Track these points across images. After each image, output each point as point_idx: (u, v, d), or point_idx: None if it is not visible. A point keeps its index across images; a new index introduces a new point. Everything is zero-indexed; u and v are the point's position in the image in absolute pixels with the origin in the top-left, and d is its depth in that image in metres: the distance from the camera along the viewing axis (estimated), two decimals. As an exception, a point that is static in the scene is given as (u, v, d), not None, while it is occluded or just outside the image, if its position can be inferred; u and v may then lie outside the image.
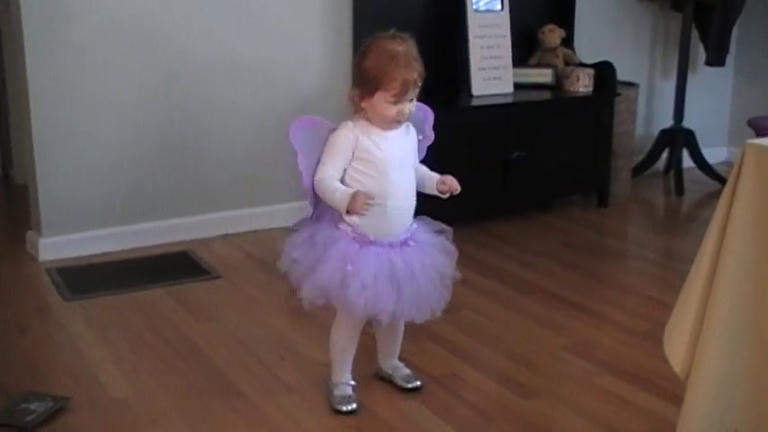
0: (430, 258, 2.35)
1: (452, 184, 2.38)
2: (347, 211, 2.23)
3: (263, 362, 2.75)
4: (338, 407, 2.41)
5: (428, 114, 2.48)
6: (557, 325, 3.04)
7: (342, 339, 2.45)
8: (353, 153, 2.28)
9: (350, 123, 2.31)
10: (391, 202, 2.29)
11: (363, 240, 2.29)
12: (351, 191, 2.24)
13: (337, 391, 2.44)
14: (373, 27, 3.83)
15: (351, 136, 2.28)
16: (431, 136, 2.49)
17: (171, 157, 3.80)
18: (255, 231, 3.96)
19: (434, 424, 2.39)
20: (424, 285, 2.31)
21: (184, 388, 2.59)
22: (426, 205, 2.47)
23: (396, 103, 2.23)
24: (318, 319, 3.03)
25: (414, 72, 2.23)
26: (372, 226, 2.28)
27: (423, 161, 2.46)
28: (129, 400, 2.51)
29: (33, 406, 2.40)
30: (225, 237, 3.91)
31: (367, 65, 2.25)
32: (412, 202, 2.37)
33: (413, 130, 2.38)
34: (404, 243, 2.33)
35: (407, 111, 2.26)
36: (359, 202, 2.21)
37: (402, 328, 2.53)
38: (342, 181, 2.30)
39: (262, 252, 3.73)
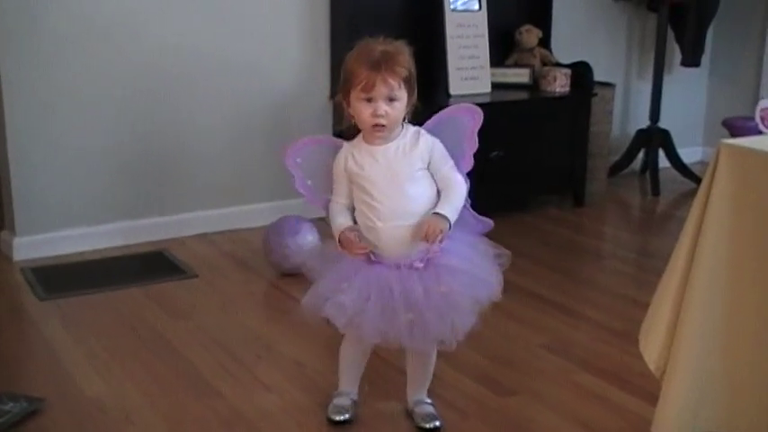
0: (445, 286, 2.16)
1: (428, 231, 2.12)
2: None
3: (240, 361, 2.74)
4: (330, 415, 2.38)
5: (476, 118, 2.26)
6: (534, 323, 3.05)
7: (347, 352, 2.40)
8: (348, 177, 2.21)
9: (345, 145, 2.24)
10: (380, 223, 2.16)
11: (367, 259, 2.18)
12: (341, 228, 2.19)
13: (335, 401, 2.41)
14: (351, 26, 3.87)
15: (342, 161, 2.22)
16: (475, 142, 2.27)
17: (147, 156, 3.78)
18: (232, 231, 3.95)
19: (412, 421, 2.39)
20: (426, 315, 2.14)
21: (160, 387, 2.57)
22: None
23: (368, 101, 2.12)
24: (295, 318, 3.02)
25: (386, 69, 2.10)
26: (373, 246, 2.18)
27: (469, 170, 2.27)
28: (104, 400, 2.49)
29: (7, 407, 2.37)
30: (201, 236, 3.89)
31: (344, 64, 2.19)
32: (412, 221, 2.15)
33: (425, 140, 2.19)
34: (411, 266, 2.16)
35: (383, 111, 2.11)
36: (344, 245, 2.17)
37: (431, 361, 2.38)
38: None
39: (238, 251, 3.72)
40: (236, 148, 3.95)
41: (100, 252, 3.68)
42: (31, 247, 3.59)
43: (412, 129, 2.22)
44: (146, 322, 3.03)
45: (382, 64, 2.10)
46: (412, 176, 2.18)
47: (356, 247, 2.16)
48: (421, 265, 2.17)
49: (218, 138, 3.92)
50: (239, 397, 2.52)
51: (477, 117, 2.27)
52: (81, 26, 3.54)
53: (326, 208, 2.29)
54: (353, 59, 2.15)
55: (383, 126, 2.14)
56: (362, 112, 2.14)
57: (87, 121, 3.63)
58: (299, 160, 2.27)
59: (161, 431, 2.35)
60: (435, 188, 2.21)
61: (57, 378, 2.63)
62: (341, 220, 2.22)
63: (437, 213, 2.16)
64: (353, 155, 2.20)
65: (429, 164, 2.20)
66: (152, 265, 3.57)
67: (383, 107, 2.12)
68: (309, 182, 2.29)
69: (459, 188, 2.22)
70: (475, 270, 2.22)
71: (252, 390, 2.57)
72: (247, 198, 4.01)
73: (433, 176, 2.21)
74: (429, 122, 2.27)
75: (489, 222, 2.31)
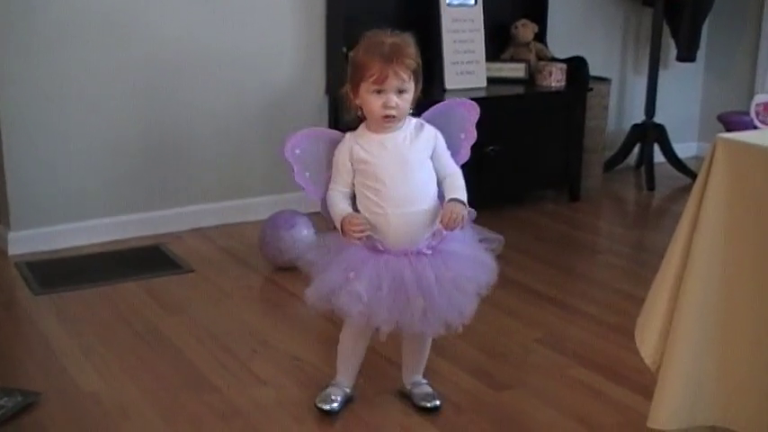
0: (452, 271, 2.21)
1: (451, 216, 2.18)
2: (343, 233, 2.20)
3: (236, 355, 2.74)
4: (317, 403, 2.39)
5: (472, 111, 2.34)
6: (529, 317, 3.06)
7: (346, 341, 2.42)
8: (352, 165, 2.24)
9: (348, 135, 2.27)
10: (391, 209, 2.19)
11: (374, 249, 2.21)
12: (344, 213, 2.21)
13: (327, 389, 2.42)
14: (346, 21, 3.86)
15: (346, 149, 2.24)
16: (473, 134, 2.34)
17: (142, 150, 3.77)
18: (227, 225, 3.94)
19: (406, 415, 2.40)
20: (438, 300, 2.19)
21: (156, 382, 2.57)
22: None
23: (379, 92, 2.16)
24: (291, 312, 3.03)
25: (397, 62, 2.14)
26: (380, 234, 2.21)
27: (465, 165, 2.32)
28: (100, 394, 2.49)
29: (2, 401, 2.37)
30: (197, 230, 3.89)
31: (353, 56, 2.22)
32: (422, 207, 2.22)
33: (428, 130, 2.26)
34: (419, 252, 2.20)
35: (394, 103, 2.16)
36: (346, 228, 2.18)
37: (427, 344, 2.43)
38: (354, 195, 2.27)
39: (234, 246, 3.72)
40: (232, 142, 3.94)
41: (95, 246, 3.67)
42: (25, 241, 3.58)
43: (414, 120, 2.28)
44: (141, 317, 3.02)
45: (394, 57, 2.15)
46: (421, 163, 2.24)
47: (361, 228, 2.17)
48: (429, 252, 2.21)
49: (215, 132, 3.91)
50: (235, 391, 2.52)
51: (475, 111, 2.35)
52: (77, 21, 3.53)
53: (322, 200, 2.30)
54: (364, 51, 2.19)
55: (394, 117, 2.19)
56: (373, 103, 2.18)
57: (83, 115, 3.62)
58: (297, 152, 2.28)
59: (157, 425, 2.35)
60: (436, 177, 2.28)
61: (52, 373, 2.62)
62: (343, 206, 2.24)
63: (454, 199, 2.23)
64: (360, 144, 2.24)
65: (432, 153, 2.27)
66: (148, 260, 3.57)
67: (394, 99, 2.17)
68: (307, 174, 2.30)
69: (461, 177, 2.30)
70: (476, 255, 2.28)
71: (248, 384, 2.57)
72: (243, 193, 4.01)
73: (434, 166, 2.27)
74: (427, 113, 2.33)
75: (473, 212, 2.34)
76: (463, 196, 2.25)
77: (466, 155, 2.36)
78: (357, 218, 2.20)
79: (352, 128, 2.29)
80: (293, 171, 2.28)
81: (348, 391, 2.44)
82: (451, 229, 2.20)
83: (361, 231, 2.18)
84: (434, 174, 2.27)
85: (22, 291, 3.25)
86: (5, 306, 3.12)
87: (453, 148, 2.32)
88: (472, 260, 2.27)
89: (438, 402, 2.41)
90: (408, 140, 2.24)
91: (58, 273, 3.41)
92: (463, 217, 2.21)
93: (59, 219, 3.65)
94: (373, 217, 2.21)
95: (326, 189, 2.28)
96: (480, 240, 2.31)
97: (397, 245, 2.21)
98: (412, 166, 2.23)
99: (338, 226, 2.22)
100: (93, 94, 3.62)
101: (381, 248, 2.21)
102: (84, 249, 3.64)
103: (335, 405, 2.39)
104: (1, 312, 3.07)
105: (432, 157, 2.27)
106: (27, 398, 2.41)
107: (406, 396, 2.47)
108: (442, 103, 2.37)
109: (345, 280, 2.18)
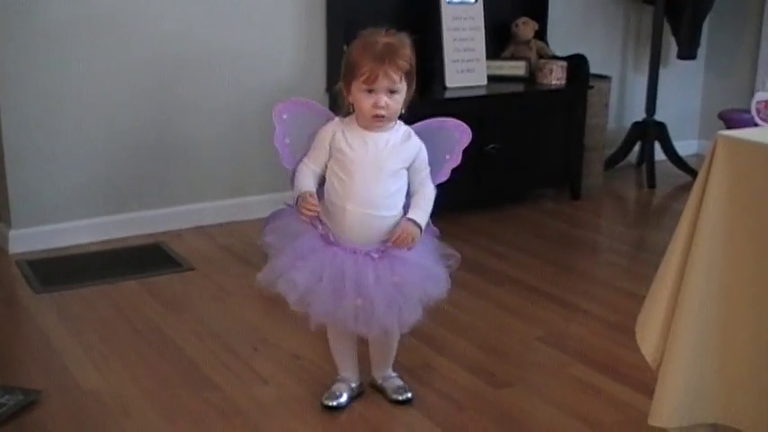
0: (397, 276, 2.21)
1: (401, 236, 2.20)
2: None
3: (237, 353, 2.75)
4: (324, 401, 2.40)
5: (464, 135, 2.33)
6: (529, 315, 3.06)
7: (331, 340, 2.46)
8: (330, 150, 2.25)
9: (336, 119, 2.28)
10: (351, 205, 2.21)
11: (327, 239, 2.23)
12: (303, 190, 2.22)
13: (332, 386, 2.44)
14: (347, 16, 3.86)
15: (330, 131, 2.25)
16: (458, 158, 2.34)
17: (143, 148, 3.77)
18: (228, 223, 3.94)
19: (407, 413, 2.40)
20: (376, 302, 2.19)
21: (157, 380, 2.58)
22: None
23: (370, 92, 2.16)
24: (292, 310, 3.02)
25: (389, 63, 2.14)
26: (334, 227, 2.24)
27: (442, 184, 2.33)
28: (100, 392, 2.49)
29: (3, 399, 2.37)
30: (197, 228, 3.89)
31: (347, 53, 2.23)
32: (383, 213, 2.23)
33: (414, 142, 2.25)
34: (366, 253, 2.21)
35: (384, 103, 2.16)
36: (300, 204, 2.20)
37: (393, 340, 2.43)
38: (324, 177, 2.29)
39: (234, 244, 3.72)
40: (233, 140, 3.94)
41: (96, 245, 3.67)
42: (26, 239, 3.58)
43: (404, 127, 2.27)
44: (142, 315, 3.03)
45: (386, 57, 2.15)
46: (395, 173, 2.24)
47: (311, 210, 2.18)
48: (376, 255, 2.22)
49: (216, 130, 3.92)
50: (236, 389, 2.52)
51: (467, 136, 2.34)
52: (77, 18, 3.53)
53: (293, 171, 2.31)
54: (357, 50, 2.19)
55: (383, 117, 2.19)
56: (364, 102, 2.18)
57: (83, 114, 3.62)
58: (285, 116, 2.29)
59: (158, 423, 2.35)
60: (407, 189, 2.28)
61: (53, 371, 2.63)
62: (307, 183, 2.26)
63: (411, 220, 2.23)
64: (344, 133, 2.24)
65: (410, 165, 2.26)
66: (148, 258, 3.57)
67: (384, 99, 2.17)
68: (287, 140, 2.30)
69: (431, 196, 2.30)
70: (427, 265, 2.28)
71: (248, 382, 2.57)
72: (245, 191, 4.01)
73: (408, 177, 2.27)
74: (418, 125, 2.31)
75: (436, 231, 2.36)
76: (422, 218, 2.24)
77: (445, 175, 2.35)
78: (313, 198, 2.20)
79: None
80: (274, 132, 2.28)
81: (354, 386, 2.45)
82: (399, 247, 2.21)
83: (310, 212, 2.19)
84: (406, 185, 2.27)
85: (22, 289, 3.25)
86: (6, 304, 3.13)
87: (435, 167, 2.30)
88: (422, 269, 2.26)
89: (410, 395, 2.43)
90: (390, 146, 2.23)
91: (59, 271, 3.41)
92: (413, 239, 2.21)
93: (60, 217, 3.65)
94: (332, 207, 2.23)
95: (294, 159, 2.30)
96: (442, 255, 2.31)
97: (347, 241, 2.22)
98: (385, 172, 2.22)
99: (294, 198, 2.24)
100: (93, 93, 3.62)
101: (332, 240, 2.23)
102: (84, 248, 3.64)
103: (342, 400, 2.40)
104: (2, 310, 3.07)
105: (409, 169, 2.26)
106: (28, 396, 2.41)
107: (378, 390, 2.48)
108: (437, 119, 2.34)
109: (292, 267, 2.21)
